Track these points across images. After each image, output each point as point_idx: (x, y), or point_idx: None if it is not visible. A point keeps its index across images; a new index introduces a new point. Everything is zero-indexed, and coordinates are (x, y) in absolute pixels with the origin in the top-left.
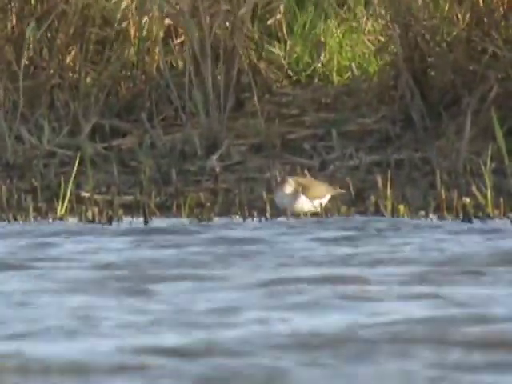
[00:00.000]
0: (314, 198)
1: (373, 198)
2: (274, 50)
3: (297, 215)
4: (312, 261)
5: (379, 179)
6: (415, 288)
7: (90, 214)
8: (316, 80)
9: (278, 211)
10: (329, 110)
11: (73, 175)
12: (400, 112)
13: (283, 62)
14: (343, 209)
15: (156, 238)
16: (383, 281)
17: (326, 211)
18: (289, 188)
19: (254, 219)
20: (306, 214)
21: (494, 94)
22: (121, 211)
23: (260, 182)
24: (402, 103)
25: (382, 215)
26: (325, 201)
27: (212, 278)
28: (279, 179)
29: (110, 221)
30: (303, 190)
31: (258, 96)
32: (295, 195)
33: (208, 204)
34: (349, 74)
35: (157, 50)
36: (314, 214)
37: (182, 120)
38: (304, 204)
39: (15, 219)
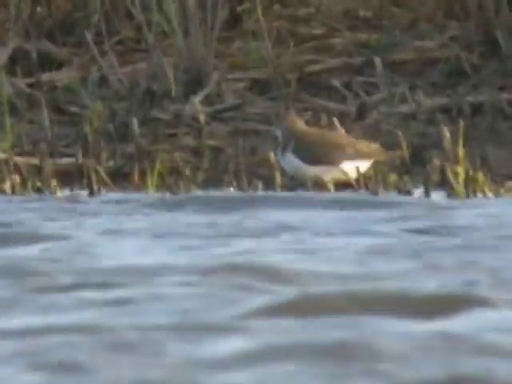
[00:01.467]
0: (351, 159)
1: (437, 162)
2: None
3: (314, 185)
4: None
5: (446, 133)
6: None
7: (7, 185)
8: None
9: (291, 181)
10: (370, 28)
11: None
12: (478, 31)
13: None
14: (392, 178)
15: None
16: None
17: (366, 181)
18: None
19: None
20: (326, 182)
21: None
22: (54, 181)
23: (266, 138)
24: (480, 17)
25: (452, 188)
26: (364, 166)
27: None
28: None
29: (38, 194)
30: (327, 143)
31: (262, 7)
32: (312, 151)
33: (187, 171)
34: None
35: None
36: (347, 185)
37: (148, 43)
38: (327, 168)
39: None
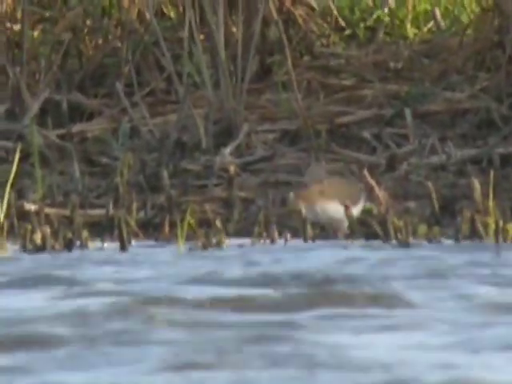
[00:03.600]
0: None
1: (467, 213)
2: None
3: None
4: None
5: (476, 184)
6: None
7: (38, 237)
8: (380, 34)
9: (324, 231)
10: (400, 79)
11: (11, 177)
12: (508, 83)
13: (331, 6)
14: (422, 229)
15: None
16: None
17: (396, 231)
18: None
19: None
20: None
21: None
22: (85, 232)
23: (296, 188)
24: (510, 68)
25: (482, 239)
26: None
27: None
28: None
29: (68, 247)
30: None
31: (292, 59)
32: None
33: (218, 222)
34: (430, 24)
35: None
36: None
37: (178, 94)
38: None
39: None
